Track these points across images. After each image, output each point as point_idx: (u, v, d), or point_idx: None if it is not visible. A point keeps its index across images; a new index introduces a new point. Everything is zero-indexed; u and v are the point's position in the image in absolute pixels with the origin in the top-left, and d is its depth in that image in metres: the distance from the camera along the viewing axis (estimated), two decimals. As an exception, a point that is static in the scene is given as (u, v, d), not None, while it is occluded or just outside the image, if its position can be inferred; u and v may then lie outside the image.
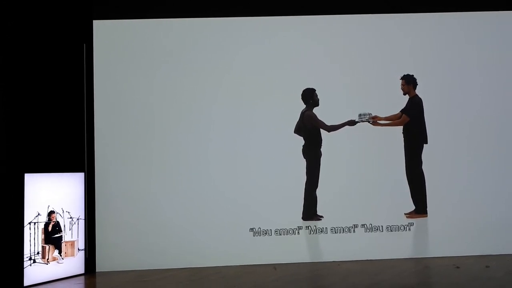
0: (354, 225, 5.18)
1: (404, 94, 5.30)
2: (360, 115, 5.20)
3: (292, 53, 5.28)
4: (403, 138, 5.28)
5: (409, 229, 5.19)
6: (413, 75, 5.28)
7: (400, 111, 5.29)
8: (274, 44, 5.29)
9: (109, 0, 5.29)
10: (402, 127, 5.28)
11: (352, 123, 5.21)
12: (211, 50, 5.27)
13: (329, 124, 5.23)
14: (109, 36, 5.23)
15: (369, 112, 5.21)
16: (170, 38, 5.27)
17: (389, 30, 5.36)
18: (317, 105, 5.27)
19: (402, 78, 5.28)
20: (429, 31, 5.36)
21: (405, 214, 5.21)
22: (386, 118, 5.25)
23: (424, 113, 5.29)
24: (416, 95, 5.30)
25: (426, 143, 5.26)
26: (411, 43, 5.35)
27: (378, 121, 5.22)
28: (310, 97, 5.27)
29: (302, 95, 5.27)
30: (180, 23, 5.29)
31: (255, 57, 5.27)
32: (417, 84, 5.28)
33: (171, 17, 5.29)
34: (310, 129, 5.24)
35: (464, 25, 5.38)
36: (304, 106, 5.28)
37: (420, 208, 5.21)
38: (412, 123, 5.26)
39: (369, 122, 5.19)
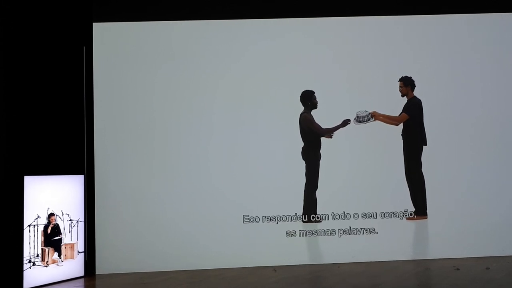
0: (354, 227, 5.18)
1: (402, 96, 5.31)
2: (358, 117, 5.20)
3: (293, 55, 5.29)
4: (402, 140, 5.29)
5: (409, 231, 5.19)
6: (411, 77, 5.29)
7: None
8: (274, 46, 5.29)
9: (109, 2, 5.30)
10: (401, 129, 5.28)
11: (345, 123, 5.21)
12: (211, 52, 5.28)
13: (326, 128, 5.23)
14: (109, 39, 5.23)
15: (365, 110, 5.21)
16: (170, 41, 5.28)
17: (389, 32, 5.37)
18: (315, 107, 5.27)
19: (400, 80, 5.29)
20: (430, 33, 5.38)
21: (405, 216, 5.21)
22: (384, 118, 5.24)
23: (424, 115, 5.30)
24: (415, 96, 5.31)
25: (426, 144, 5.27)
26: (411, 45, 5.36)
27: (377, 118, 5.22)
28: (308, 99, 5.28)
29: (300, 97, 5.27)
30: (180, 26, 5.30)
31: (255, 59, 5.28)
32: (415, 86, 5.29)
33: (171, 20, 5.29)
34: (307, 131, 5.24)
35: (465, 26, 5.39)
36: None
37: (420, 210, 5.21)
38: (412, 125, 5.27)
39: (368, 120, 5.20)
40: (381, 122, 5.23)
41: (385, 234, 5.17)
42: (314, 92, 5.28)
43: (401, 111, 5.30)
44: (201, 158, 5.17)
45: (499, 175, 5.27)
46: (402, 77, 5.29)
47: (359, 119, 5.19)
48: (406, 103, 5.30)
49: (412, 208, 5.22)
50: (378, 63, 5.32)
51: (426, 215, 5.19)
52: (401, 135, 5.27)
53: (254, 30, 5.32)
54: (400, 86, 5.29)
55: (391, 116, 5.26)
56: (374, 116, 5.22)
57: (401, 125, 5.28)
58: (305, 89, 5.27)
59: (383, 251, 5.14)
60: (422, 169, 5.26)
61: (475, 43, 5.38)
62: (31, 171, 4.66)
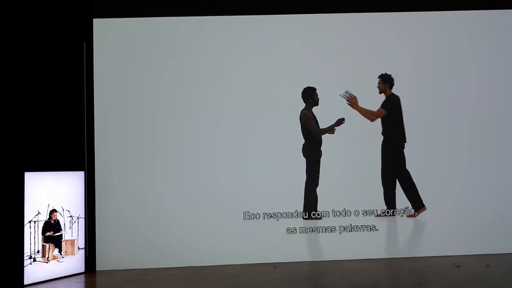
0: (355, 224, 5.18)
1: (380, 92, 5.29)
2: (346, 92, 5.18)
3: (296, 53, 5.26)
4: (382, 139, 5.25)
5: (410, 228, 5.19)
6: (390, 75, 5.27)
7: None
8: (277, 43, 5.25)
9: (109, -2, 5.29)
10: (381, 129, 5.24)
11: (340, 122, 5.20)
12: (212, 49, 5.26)
13: (322, 128, 5.23)
14: (109, 35, 5.22)
15: (354, 96, 5.19)
16: (170, 37, 5.26)
17: (391, 30, 5.34)
18: (317, 104, 5.26)
19: (379, 77, 5.28)
20: (429, 31, 5.35)
21: (405, 213, 5.20)
22: (360, 109, 5.21)
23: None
24: (393, 93, 5.28)
25: (405, 141, 5.24)
26: (412, 43, 5.33)
27: (354, 105, 5.21)
28: (310, 96, 5.26)
29: (302, 93, 5.26)
30: (180, 22, 5.28)
31: (257, 56, 5.25)
32: (393, 84, 5.27)
33: (171, 16, 5.28)
34: (306, 128, 5.23)
35: (465, 24, 5.36)
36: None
37: (417, 203, 5.20)
38: (392, 123, 5.24)
39: (346, 99, 5.18)
40: (357, 112, 5.20)
41: (385, 232, 5.17)
42: (315, 89, 5.26)
43: (386, 108, 5.28)
44: (201, 155, 5.16)
45: (499, 172, 5.26)
46: (382, 74, 5.27)
47: (344, 94, 5.16)
48: (385, 100, 5.28)
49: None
50: (381, 61, 5.29)
51: (424, 206, 5.18)
52: (382, 134, 5.25)
53: (256, 27, 5.29)
54: (379, 83, 5.28)
55: (369, 110, 5.24)
56: (352, 103, 5.19)
57: (379, 124, 5.25)
58: (307, 86, 5.26)
59: (384, 249, 5.15)
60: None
61: (470, 39, 5.34)
62: (32, 167, 4.66)
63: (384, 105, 5.27)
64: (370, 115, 5.23)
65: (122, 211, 5.05)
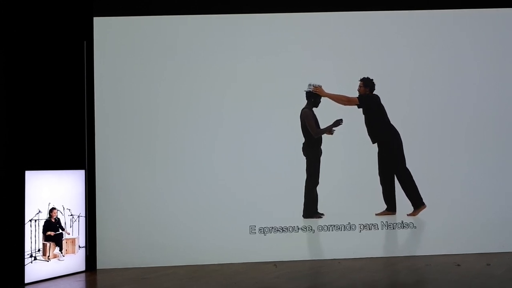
0: (355, 223, 5.18)
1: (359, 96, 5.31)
2: (309, 85, 5.18)
3: (297, 52, 5.27)
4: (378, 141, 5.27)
5: (410, 227, 5.19)
6: (372, 80, 5.26)
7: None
8: (279, 42, 5.26)
9: (109, -3, 5.29)
10: (373, 131, 5.26)
11: (337, 123, 5.20)
12: (212, 47, 5.26)
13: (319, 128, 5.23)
14: (110, 33, 5.22)
15: (319, 85, 5.19)
16: (170, 35, 5.27)
17: (392, 29, 5.35)
18: (317, 106, 5.26)
19: (361, 80, 5.27)
20: (431, 30, 5.35)
21: (406, 212, 5.21)
22: (330, 95, 5.22)
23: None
24: (373, 94, 5.28)
25: (400, 137, 5.25)
26: (413, 42, 5.34)
27: (322, 93, 5.21)
28: (313, 96, 5.26)
29: (306, 92, 5.25)
30: (181, 20, 5.28)
31: (259, 55, 5.26)
32: (374, 89, 5.26)
33: (172, 14, 5.28)
34: (306, 126, 5.23)
35: (465, 23, 5.37)
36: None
37: (417, 202, 5.20)
38: (380, 123, 5.24)
39: (312, 90, 5.19)
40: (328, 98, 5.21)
41: (385, 230, 5.17)
42: None
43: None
44: (201, 153, 5.17)
45: (499, 171, 5.26)
46: (364, 77, 5.27)
47: (309, 87, 5.17)
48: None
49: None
50: (382, 60, 5.30)
51: (424, 204, 5.18)
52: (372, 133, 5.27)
53: (259, 26, 5.29)
54: (360, 86, 5.27)
55: (339, 95, 5.22)
56: (319, 91, 5.19)
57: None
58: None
59: (384, 247, 5.15)
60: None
61: (470, 38, 5.35)
62: (32, 166, 4.66)
63: (358, 96, 5.27)
64: (341, 100, 5.21)
65: (122, 209, 5.06)
